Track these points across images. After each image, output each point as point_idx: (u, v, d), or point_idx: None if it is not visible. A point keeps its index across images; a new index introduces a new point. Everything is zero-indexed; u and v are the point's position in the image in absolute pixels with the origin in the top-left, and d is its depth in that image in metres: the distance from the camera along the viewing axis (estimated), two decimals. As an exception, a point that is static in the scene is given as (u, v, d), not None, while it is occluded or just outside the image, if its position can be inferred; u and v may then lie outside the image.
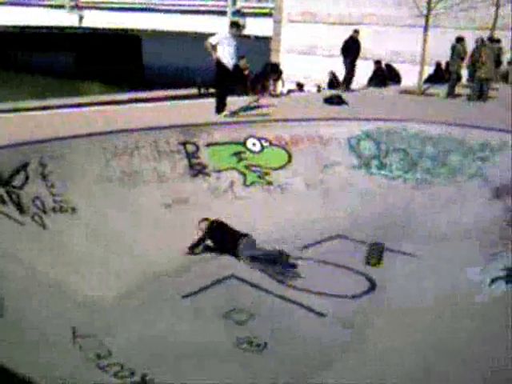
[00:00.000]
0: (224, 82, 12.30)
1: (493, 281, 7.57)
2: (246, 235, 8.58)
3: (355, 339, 6.58)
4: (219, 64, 11.88)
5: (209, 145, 10.75)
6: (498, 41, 20.86)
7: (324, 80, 23.03)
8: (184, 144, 10.55)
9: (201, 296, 7.53)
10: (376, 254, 8.63)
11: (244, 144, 11.01)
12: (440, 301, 7.34)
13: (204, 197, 10.08)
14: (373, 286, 7.92)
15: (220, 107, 12.30)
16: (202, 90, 23.72)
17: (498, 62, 18.77)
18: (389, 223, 9.87)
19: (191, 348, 6.27)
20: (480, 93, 16.13)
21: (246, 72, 17.09)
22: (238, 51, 12.14)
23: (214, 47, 11.80)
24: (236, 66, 13.54)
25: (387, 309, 7.28)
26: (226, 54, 11.88)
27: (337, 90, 17.70)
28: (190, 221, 9.01)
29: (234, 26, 12.27)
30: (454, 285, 7.74)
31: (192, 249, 8.62)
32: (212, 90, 15.81)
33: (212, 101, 12.83)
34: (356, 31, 17.61)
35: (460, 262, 8.29)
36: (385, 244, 8.78)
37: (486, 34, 18.84)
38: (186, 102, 16.22)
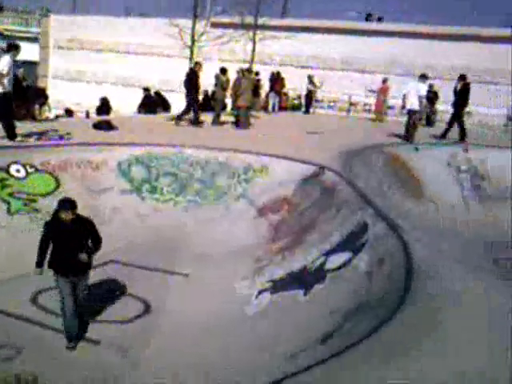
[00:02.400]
0: (9, 108, 11.50)
1: (260, 293, 8.09)
2: None
3: (130, 363, 6.52)
4: (6, 92, 11.11)
5: (-33, 171, 9.89)
6: (257, 73, 22.60)
7: (94, 106, 22.64)
8: None
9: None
10: None
11: (7, 170, 10.31)
12: (213, 317, 7.61)
13: (-38, 227, 9.22)
14: (147, 309, 7.94)
15: (12, 133, 11.59)
16: None
17: (256, 92, 20.18)
18: (161, 245, 10.01)
19: None
20: (236, 119, 17.19)
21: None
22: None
23: (3, 75, 10.91)
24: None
25: (162, 329, 7.35)
26: (11, 80, 11.22)
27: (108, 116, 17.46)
28: None
29: (15, 48, 11.37)
30: (225, 300, 8.10)
31: None
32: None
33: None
34: (197, 63, 17.15)
35: (230, 278, 8.72)
36: None
37: (245, 66, 20.21)
38: None
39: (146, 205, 11.22)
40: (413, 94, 15.68)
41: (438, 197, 12.74)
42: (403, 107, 16.52)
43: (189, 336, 7.16)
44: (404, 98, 16.00)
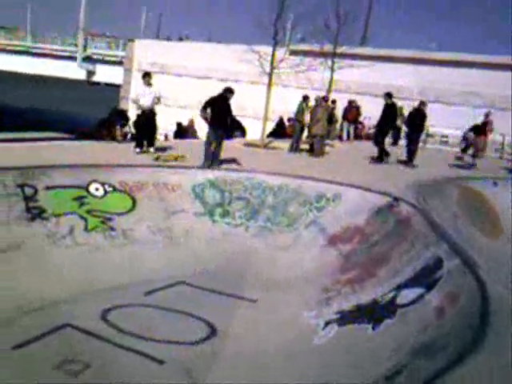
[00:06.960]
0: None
1: (327, 324, 7.97)
2: None
3: (194, 385, 6.54)
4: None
5: (49, 188, 10.33)
6: (334, 101, 22.58)
7: (172, 130, 23.31)
8: (22, 186, 10.04)
9: (32, 347, 7.05)
10: None
11: (86, 188, 10.72)
12: (279, 345, 7.54)
13: (41, 242, 9.59)
14: (214, 332, 7.96)
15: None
16: None
17: (331, 121, 20.15)
18: (231, 269, 10.08)
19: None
20: (311, 147, 17.30)
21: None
22: None
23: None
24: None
25: (228, 354, 7.34)
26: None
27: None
28: (23, 268, 8.55)
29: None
30: (293, 329, 8.03)
31: None
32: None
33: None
34: (423, 102, 16.77)
35: (297, 306, 8.65)
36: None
37: (322, 94, 20.22)
38: (29, 144, 15.34)
39: (217, 228, 11.35)
40: None
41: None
42: None
43: (253, 362, 7.11)
44: None
